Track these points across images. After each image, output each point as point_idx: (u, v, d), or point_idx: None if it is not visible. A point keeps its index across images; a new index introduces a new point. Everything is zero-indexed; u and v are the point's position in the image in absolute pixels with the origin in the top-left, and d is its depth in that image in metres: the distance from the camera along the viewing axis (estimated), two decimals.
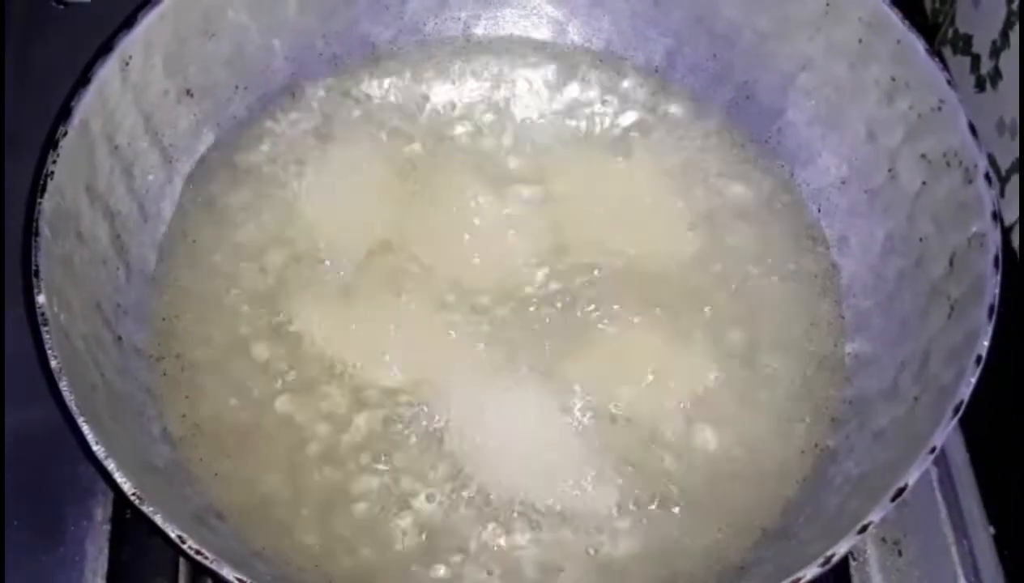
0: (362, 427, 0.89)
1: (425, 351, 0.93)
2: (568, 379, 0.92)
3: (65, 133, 0.84)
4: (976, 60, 1.13)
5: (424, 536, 0.85)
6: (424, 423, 0.89)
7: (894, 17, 0.93)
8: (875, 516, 0.73)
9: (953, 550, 0.95)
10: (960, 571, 0.94)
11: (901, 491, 0.73)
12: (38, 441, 0.93)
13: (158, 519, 0.71)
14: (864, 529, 0.72)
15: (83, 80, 0.87)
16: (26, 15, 1.12)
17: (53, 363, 0.75)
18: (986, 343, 0.78)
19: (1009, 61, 1.07)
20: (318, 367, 0.91)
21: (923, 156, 0.91)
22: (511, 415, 0.90)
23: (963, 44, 1.16)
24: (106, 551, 0.91)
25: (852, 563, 0.93)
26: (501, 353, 0.93)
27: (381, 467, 0.87)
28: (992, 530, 0.96)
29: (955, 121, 0.88)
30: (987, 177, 0.85)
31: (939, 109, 0.89)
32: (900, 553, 0.94)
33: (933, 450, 0.75)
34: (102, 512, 0.92)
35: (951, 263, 0.86)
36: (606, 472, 0.88)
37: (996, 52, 1.09)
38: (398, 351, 0.93)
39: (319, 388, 0.91)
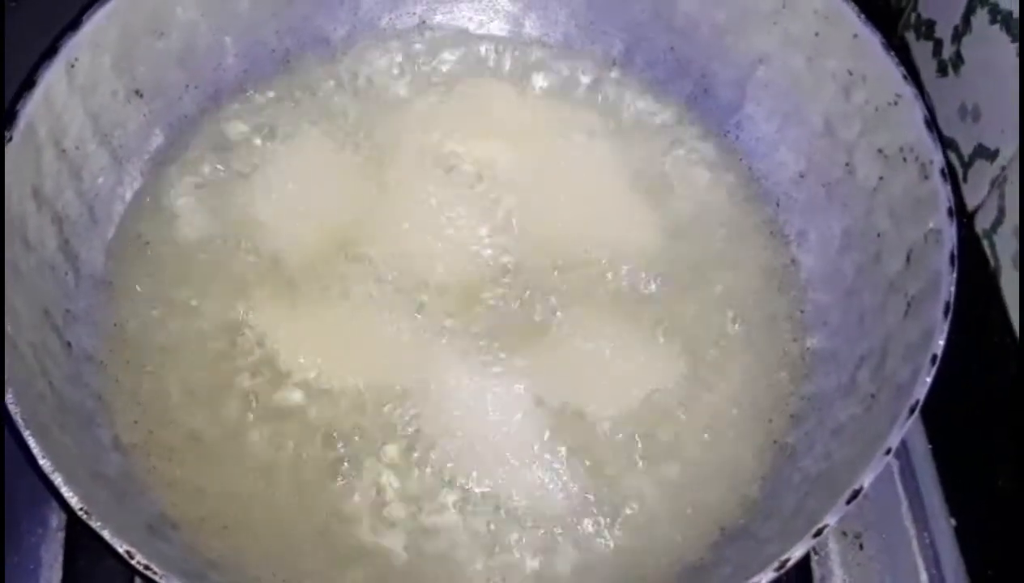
0: (322, 429, 0.88)
1: (385, 350, 0.92)
2: (532, 378, 0.91)
3: (10, 138, 0.83)
4: (938, 45, 1.12)
5: (393, 545, 0.85)
6: (387, 423, 0.88)
7: (849, 11, 0.92)
8: (831, 518, 0.73)
9: (914, 543, 0.95)
10: (921, 564, 0.94)
11: (857, 493, 0.73)
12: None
13: (106, 534, 0.70)
14: (820, 532, 0.72)
15: (28, 83, 0.86)
16: None
17: None
18: (942, 342, 0.78)
19: (971, 46, 1.06)
20: (276, 368, 0.90)
21: (880, 151, 0.91)
22: (477, 416, 0.90)
23: (926, 29, 1.15)
24: (61, 559, 0.90)
25: (814, 558, 0.94)
26: (463, 352, 0.92)
27: (343, 469, 0.87)
28: (953, 522, 0.96)
29: (911, 116, 0.88)
30: (943, 173, 0.85)
31: (895, 104, 0.89)
32: (861, 546, 0.94)
33: (889, 451, 0.75)
34: (57, 519, 0.91)
35: (908, 259, 0.86)
36: (565, 470, 0.88)
37: (958, 37, 1.08)
38: (357, 350, 0.92)
39: (277, 390, 0.90)
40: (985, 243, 1.01)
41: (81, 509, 0.71)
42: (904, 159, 0.88)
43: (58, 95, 0.88)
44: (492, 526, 0.85)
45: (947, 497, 0.97)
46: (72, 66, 0.89)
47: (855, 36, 0.92)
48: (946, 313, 0.79)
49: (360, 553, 0.84)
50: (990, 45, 1.01)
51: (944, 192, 0.84)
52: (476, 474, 0.87)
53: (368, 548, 0.84)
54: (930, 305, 0.81)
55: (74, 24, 0.89)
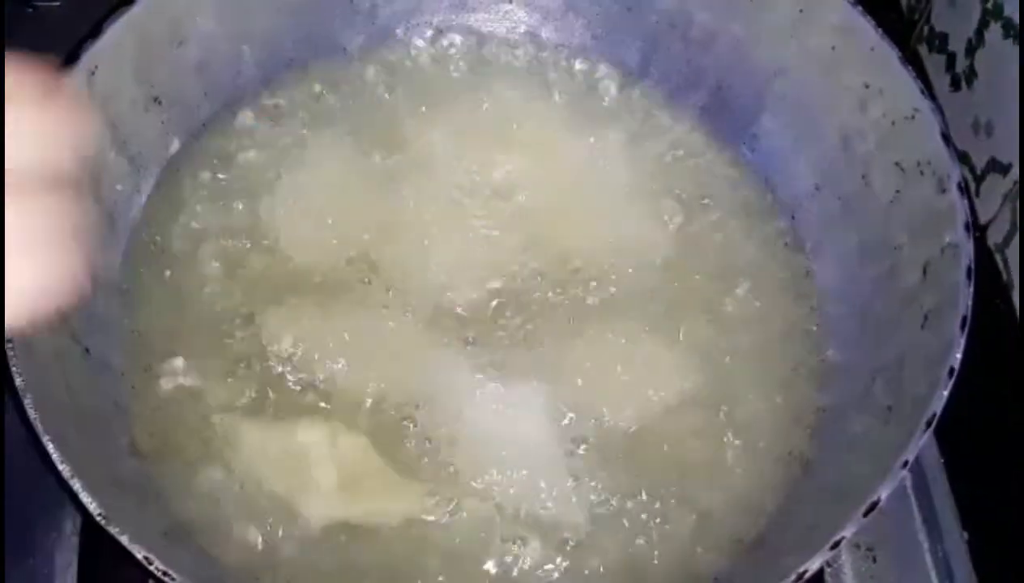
0: (339, 436, 0.88)
1: (402, 357, 0.92)
2: (550, 388, 0.91)
3: None
4: (951, 58, 1.13)
5: (407, 551, 0.84)
6: (404, 429, 0.89)
7: (867, 24, 0.92)
8: (848, 531, 0.73)
9: (927, 556, 0.95)
10: (934, 577, 0.94)
11: (874, 506, 0.73)
12: (5, 450, 0.91)
13: (125, 540, 0.70)
14: (837, 544, 0.72)
15: None
16: None
17: (17, 381, 0.74)
18: (959, 355, 0.78)
19: (984, 60, 1.07)
20: (293, 376, 0.90)
21: (897, 164, 0.91)
22: (494, 424, 0.90)
23: (939, 42, 1.16)
24: (75, 564, 0.90)
25: (827, 570, 0.93)
26: (480, 360, 0.92)
27: (361, 476, 0.87)
28: (966, 536, 0.96)
29: (929, 130, 0.88)
30: (960, 187, 0.85)
31: (913, 118, 0.89)
32: (874, 559, 0.94)
33: (906, 464, 0.75)
34: (71, 524, 0.91)
35: (924, 272, 0.86)
36: (582, 480, 0.88)
37: (971, 50, 1.09)
38: (376, 357, 0.92)
39: (294, 399, 0.90)
40: (998, 257, 1.02)
41: (100, 515, 0.71)
42: (921, 173, 0.88)
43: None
44: (509, 533, 0.85)
45: (960, 510, 0.96)
46: (92, 74, 0.89)
47: (872, 49, 0.92)
48: (963, 327, 0.79)
49: (375, 556, 0.84)
50: (1003, 59, 1.02)
51: (961, 206, 0.84)
52: (492, 480, 0.87)
53: (384, 552, 0.84)
54: (947, 319, 0.81)
55: (95, 32, 0.89)
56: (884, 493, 0.73)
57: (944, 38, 1.15)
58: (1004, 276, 1.01)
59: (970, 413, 0.86)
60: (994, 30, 1.04)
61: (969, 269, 0.81)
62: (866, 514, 0.73)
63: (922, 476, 0.97)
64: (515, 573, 0.84)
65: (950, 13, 1.14)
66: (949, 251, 0.84)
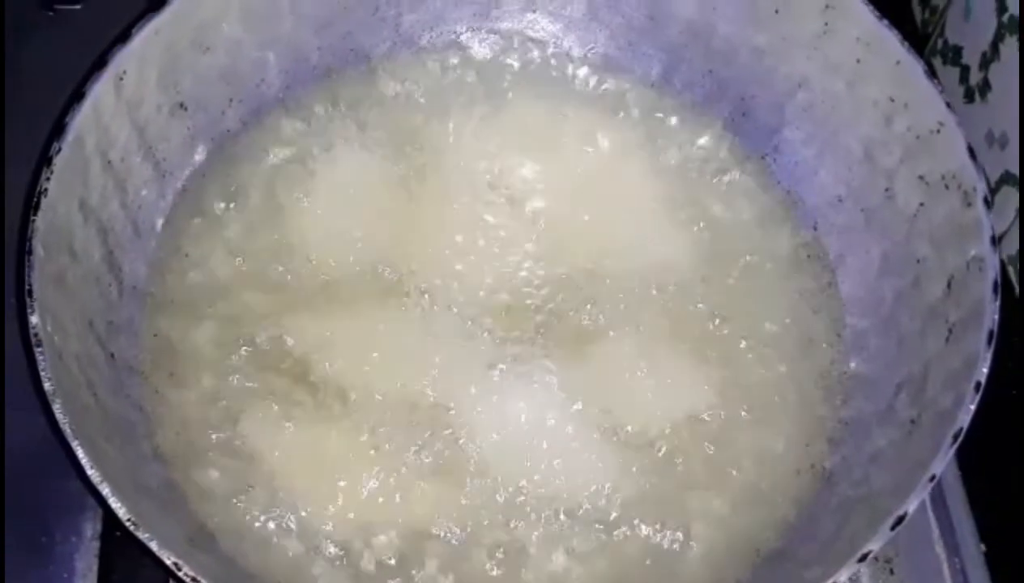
0: (364, 441, 0.88)
1: (427, 363, 0.92)
2: (569, 392, 0.92)
3: (59, 150, 0.83)
4: (965, 71, 1.13)
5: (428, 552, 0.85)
6: (428, 431, 0.89)
7: (892, 38, 0.93)
8: (875, 545, 0.73)
9: (945, 568, 0.95)
10: None
11: (901, 519, 0.74)
12: (26, 455, 0.91)
13: (154, 546, 0.70)
14: (864, 558, 0.73)
15: (77, 96, 0.86)
16: (15, 21, 1.10)
17: (47, 385, 0.74)
18: (985, 370, 0.78)
19: (999, 73, 1.07)
20: (316, 380, 0.91)
21: (921, 178, 0.92)
22: (518, 424, 0.90)
23: (953, 55, 1.16)
24: (95, 568, 0.90)
25: None
26: (502, 366, 0.93)
27: (387, 478, 0.87)
28: (984, 548, 0.96)
29: (954, 144, 0.88)
30: (986, 201, 0.85)
31: (938, 132, 0.90)
32: (892, 571, 0.94)
33: (933, 478, 0.75)
34: (91, 528, 0.91)
35: (949, 286, 0.86)
36: (601, 487, 0.88)
37: (986, 64, 1.09)
38: (399, 363, 0.92)
39: (321, 404, 0.90)
40: (1011, 270, 1.02)
41: (129, 520, 0.71)
42: (946, 187, 0.89)
43: (106, 108, 0.88)
44: (532, 540, 0.86)
45: (978, 523, 0.97)
46: (120, 79, 0.89)
47: (897, 63, 0.93)
48: (989, 342, 0.79)
49: (401, 560, 0.85)
50: (1018, 72, 1.02)
51: (987, 221, 0.84)
52: (504, 480, 0.88)
53: (411, 557, 0.85)
54: (973, 333, 0.81)
55: (123, 37, 0.89)
56: (911, 507, 0.74)
57: (958, 51, 1.15)
58: (1017, 289, 1.01)
59: (986, 425, 0.87)
60: (1009, 44, 1.04)
61: (995, 283, 0.82)
62: (893, 527, 0.73)
63: (940, 489, 0.97)
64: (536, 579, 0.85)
65: (964, 26, 1.14)
66: (974, 265, 0.84)
